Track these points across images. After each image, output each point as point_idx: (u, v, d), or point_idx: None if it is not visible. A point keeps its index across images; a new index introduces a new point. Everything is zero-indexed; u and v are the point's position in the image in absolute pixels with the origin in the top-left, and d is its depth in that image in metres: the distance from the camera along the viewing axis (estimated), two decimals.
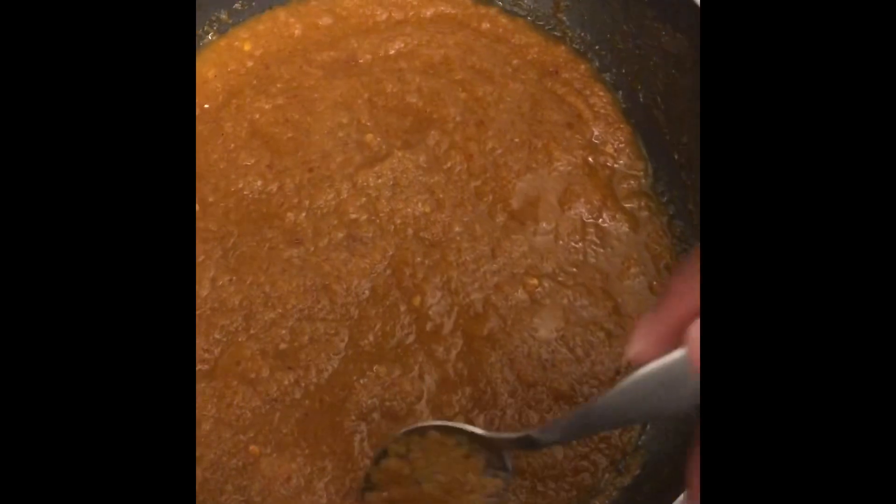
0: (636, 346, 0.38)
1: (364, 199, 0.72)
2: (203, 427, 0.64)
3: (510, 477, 0.56)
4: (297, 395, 0.65)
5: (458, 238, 0.71)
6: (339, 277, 0.69)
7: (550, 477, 0.65)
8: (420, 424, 0.60)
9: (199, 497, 0.62)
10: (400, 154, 0.74)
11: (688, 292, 0.35)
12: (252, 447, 0.63)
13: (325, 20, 0.83)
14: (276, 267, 0.69)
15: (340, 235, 0.71)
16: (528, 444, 0.51)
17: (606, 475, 0.66)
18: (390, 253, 0.70)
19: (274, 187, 0.73)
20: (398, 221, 0.72)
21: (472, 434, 0.56)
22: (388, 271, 0.70)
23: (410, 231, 0.71)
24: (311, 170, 0.74)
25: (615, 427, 0.64)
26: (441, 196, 0.73)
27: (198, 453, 0.63)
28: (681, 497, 0.55)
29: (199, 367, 0.66)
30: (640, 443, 0.68)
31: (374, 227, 0.71)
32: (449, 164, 0.74)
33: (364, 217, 0.72)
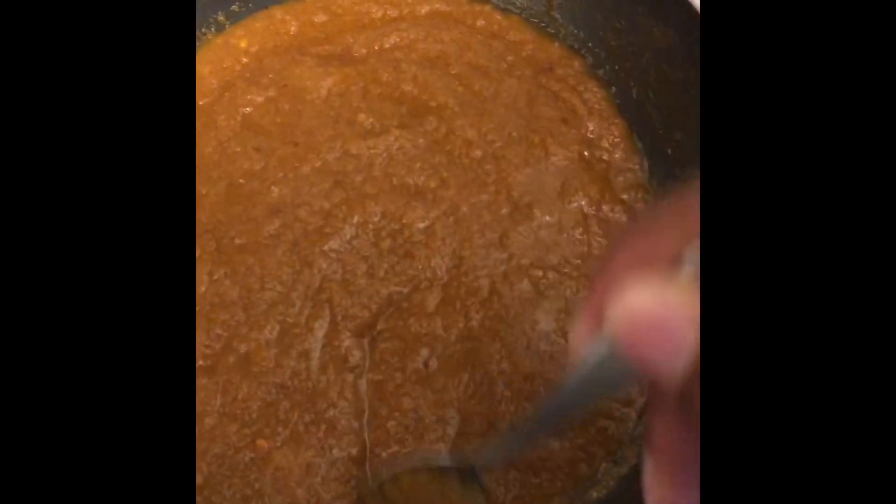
0: (574, 341, 0.38)
1: (355, 164, 0.74)
2: (206, 422, 0.64)
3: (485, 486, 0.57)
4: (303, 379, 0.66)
5: (467, 218, 0.72)
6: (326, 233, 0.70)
7: (545, 468, 0.66)
8: (386, 476, 0.61)
9: (204, 492, 0.63)
10: (397, 132, 0.75)
11: (603, 278, 0.36)
12: (259, 441, 0.64)
13: (321, 17, 0.84)
14: (261, 242, 0.70)
15: (327, 185, 0.72)
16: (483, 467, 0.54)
17: (603, 465, 0.67)
18: (388, 209, 0.71)
19: (259, 166, 0.74)
20: (395, 182, 0.73)
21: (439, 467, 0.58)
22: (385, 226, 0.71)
23: (413, 190, 0.73)
24: (296, 144, 0.75)
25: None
26: (445, 175, 0.74)
27: (202, 447, 0.64)
28: None
29: (200, 362, 0.67)
30: (636, 433, 0.69)
31: (369, 182, 0.73)
32: (449, 147, 0.75)
33: (357, 175, 0.73)
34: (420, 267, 0.70)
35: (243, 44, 0.82)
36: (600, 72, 0.81)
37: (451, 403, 0.66)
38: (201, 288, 0.69)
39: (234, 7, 0.84)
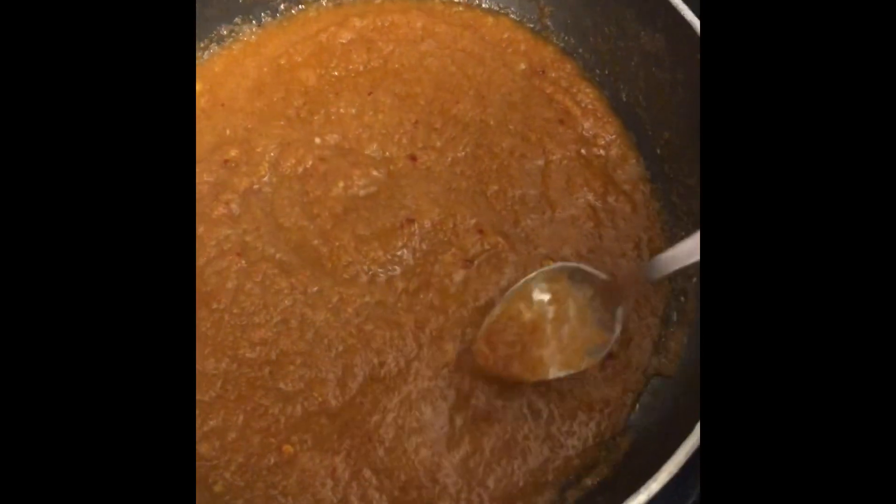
0: None
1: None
2: (230, 435, 0.67)
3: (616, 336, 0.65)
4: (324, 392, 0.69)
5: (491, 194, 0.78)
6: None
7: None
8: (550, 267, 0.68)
9: (226, 497, 0.65)
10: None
11: None
12: (286, 446, 0.66)
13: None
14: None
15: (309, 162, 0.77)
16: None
17: (602, 452, 0.69)
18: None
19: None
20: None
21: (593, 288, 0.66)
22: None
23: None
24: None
25: None
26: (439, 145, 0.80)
27: (225, 458, 0.66)
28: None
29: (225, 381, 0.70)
30: (630, 422, 0.71)
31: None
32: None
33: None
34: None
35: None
36: (592, 74, 0.84)
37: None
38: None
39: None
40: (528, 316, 0.67)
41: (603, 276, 0.66)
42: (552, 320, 0.66)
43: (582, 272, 0.66)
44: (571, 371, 0.66)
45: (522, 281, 0.68)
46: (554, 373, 0.66)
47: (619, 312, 0.65)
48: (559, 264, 0.69)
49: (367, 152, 0.80)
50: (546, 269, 0.68)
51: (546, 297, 0.67)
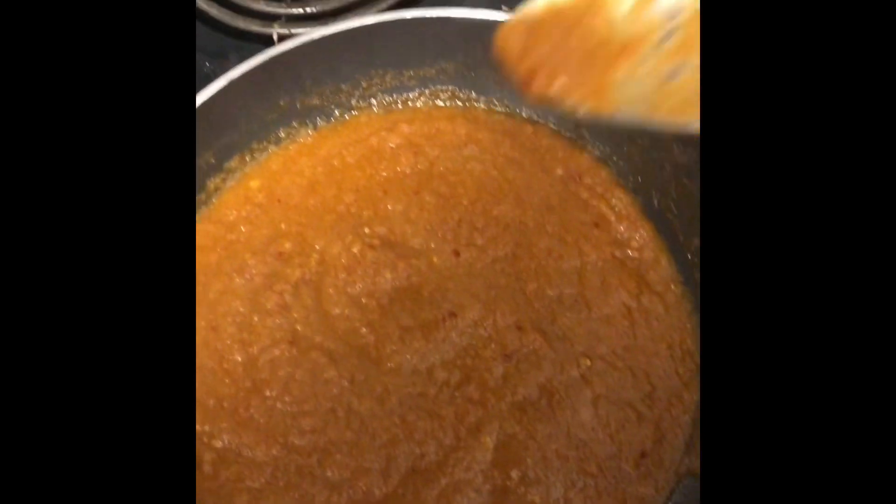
0: None
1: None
2: None
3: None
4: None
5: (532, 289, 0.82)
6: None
7: None
8: None
9: None
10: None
11: None
12: None
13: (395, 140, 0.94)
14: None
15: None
16: None
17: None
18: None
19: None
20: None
21: None
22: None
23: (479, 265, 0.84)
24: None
25: None
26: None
27: None
28: None
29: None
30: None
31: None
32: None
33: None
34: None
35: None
36: (625, 181, 0.89)
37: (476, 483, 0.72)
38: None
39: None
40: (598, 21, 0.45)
41: None
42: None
43: None
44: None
45: None
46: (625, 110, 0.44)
47: None
48: None
49: (412, 246, 0.85)
50: None
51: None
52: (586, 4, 0.45)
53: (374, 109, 0.96)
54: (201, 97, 0.82)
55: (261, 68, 0.85)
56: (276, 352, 0.78)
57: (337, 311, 0.81)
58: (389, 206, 0.88)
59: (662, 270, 0.84)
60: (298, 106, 0.93)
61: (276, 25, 1.01)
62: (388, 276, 0.82)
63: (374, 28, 0.87)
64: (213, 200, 0.89)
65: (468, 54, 0.91)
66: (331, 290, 0.82)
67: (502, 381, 0.76)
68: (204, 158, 0.87)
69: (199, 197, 0.88)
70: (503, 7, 1.01)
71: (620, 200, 0.88)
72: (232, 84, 0.83)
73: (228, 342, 0.79)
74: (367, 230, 0.86)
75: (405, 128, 0.93)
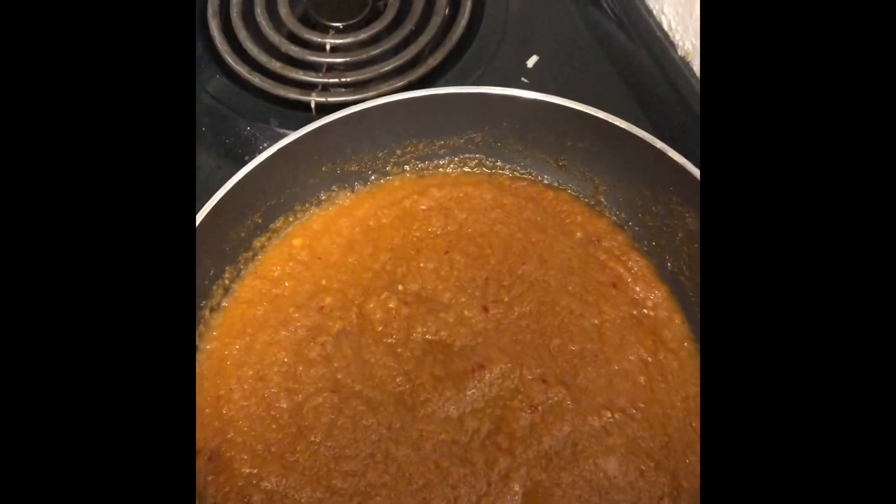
0: None
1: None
2: None
3: None
4: None
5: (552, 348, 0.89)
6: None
7: None
8: None
9: None
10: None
11: None
12: None
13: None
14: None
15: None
16: None
17: None
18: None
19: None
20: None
21: None
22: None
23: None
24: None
25: None
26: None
27: None
28: None
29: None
30: None
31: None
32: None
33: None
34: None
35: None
36: (641, 245, 0.97)
37: None
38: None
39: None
40: None
41: None
42: None
43: None
44: None
45: None
46: None
47: None
48: None
49: (443, 301, 0.92)
50: None
51: None
52: None
53: (408, 174, 1.04)
54: (252, 164, 0.89)
55: (306, 138, 0.93)
56: (320, 399, 0.84)
57: (374, 360, 0.87)
58: (422, 264, 0.95)
59: (676, 329, 0.90)
60: (339, 171, 1.00)
61: (313, 94, 1.09)
62: (421, 329, 0.89)
63: (409, 102, 0.96)
64: (259, 257, 0.96)
65: (494, 126, 1.00)
66: (369, 342, 0.88)
67: (529, 431, 0.82)
68: (252, 219, 0.95)
69: (247, 254, 0.95)
70: (523, 80, 1.11)
71: (637, 263, 0.95)
72: (280, 152, 0.91)
73: (275, 391, 0.85)
74: (400, 287, 0.93)
75: (436, 192, 1.01)
